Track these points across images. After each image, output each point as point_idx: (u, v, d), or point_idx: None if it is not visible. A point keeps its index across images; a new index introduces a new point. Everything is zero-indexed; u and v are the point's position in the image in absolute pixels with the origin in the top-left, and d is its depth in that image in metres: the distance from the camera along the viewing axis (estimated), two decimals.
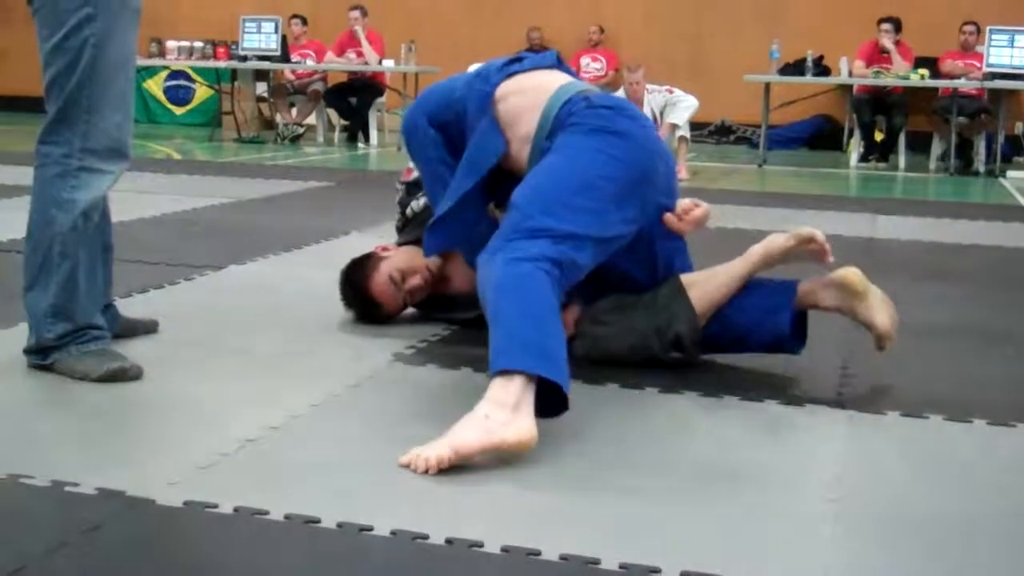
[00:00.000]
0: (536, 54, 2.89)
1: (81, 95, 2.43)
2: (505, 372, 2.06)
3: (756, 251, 2.69)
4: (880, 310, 2.62)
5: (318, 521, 1.76)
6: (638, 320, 2.65)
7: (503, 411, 2.01)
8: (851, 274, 2.64)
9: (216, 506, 1.80)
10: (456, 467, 1.98)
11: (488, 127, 2.58)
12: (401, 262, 2.95)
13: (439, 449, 1.97)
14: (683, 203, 2.63)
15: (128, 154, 2.55)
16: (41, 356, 2.50)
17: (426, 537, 1.71)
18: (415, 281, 2.94)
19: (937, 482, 2.05)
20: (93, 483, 1.87)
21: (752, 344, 2.70)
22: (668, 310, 2.62)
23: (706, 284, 2.66)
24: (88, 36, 2.42)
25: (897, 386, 2.66)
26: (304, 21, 10.44)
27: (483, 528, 1.74)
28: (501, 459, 2.03)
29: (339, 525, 1.75)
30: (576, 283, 2.40)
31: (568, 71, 2.83)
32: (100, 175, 2.48)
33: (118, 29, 2.46)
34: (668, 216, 2.61)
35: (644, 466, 2.07)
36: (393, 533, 1.72)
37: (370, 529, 1.74)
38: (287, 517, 1.77)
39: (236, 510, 1.79)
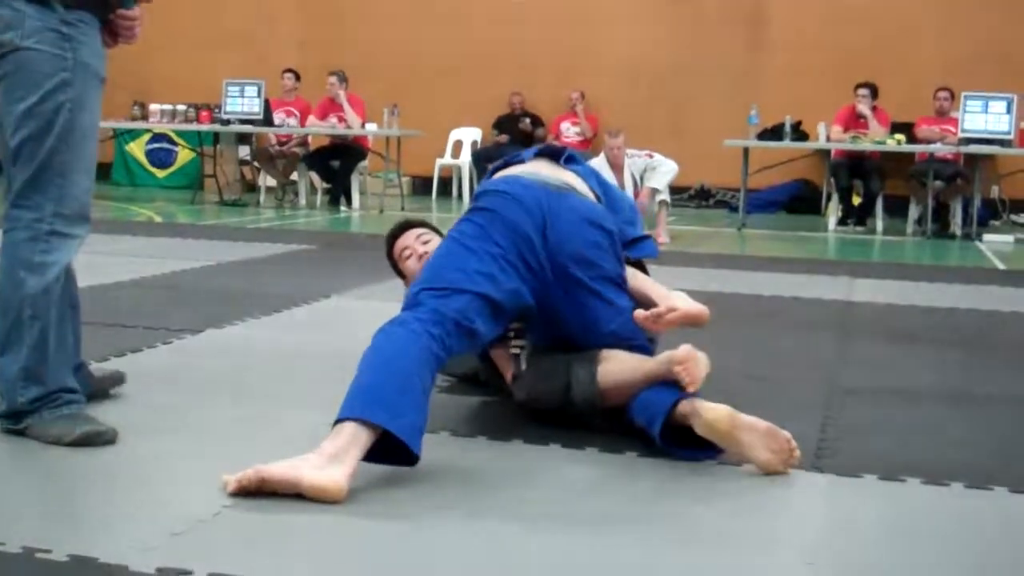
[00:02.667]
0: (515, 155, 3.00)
1: (54, 159, 2.44)
2: (338, 422, 2.21)
3: (662, 357, 2.61)
4: (757, 447, 2.39)
5: None
6: (554, 375, 2.68)
7: (321, 458, 2.16)
8: (718, 420, 2.39)
9: (191, 573, 1.78)
10: (428, 530, 1.96)
11: None
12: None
13: (247, 471, 2.13)
14: (659, 310, 2.58)
15: (90, 218, 2.57)
16: (13, 421, 2.48)
17: None
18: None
19: (915, 547, 2.05)
20: (65, 550, 1.85)
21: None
22: (572, 375, 2.65)
23: (620, 364, 2.64)
24: (64, 101, 2.43)
25: (875, 449, 2.66)
26: (297, 77, 10.50)
27: None
28: (475, 517, 2.02)
29: None
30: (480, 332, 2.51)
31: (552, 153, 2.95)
32: (69, 239, 2.48)
33: (90, 96, 2.49)
34: (637, 314, 2.59)
35: (623, 529, 2.07)
36: None
37: None
38: None
39: None
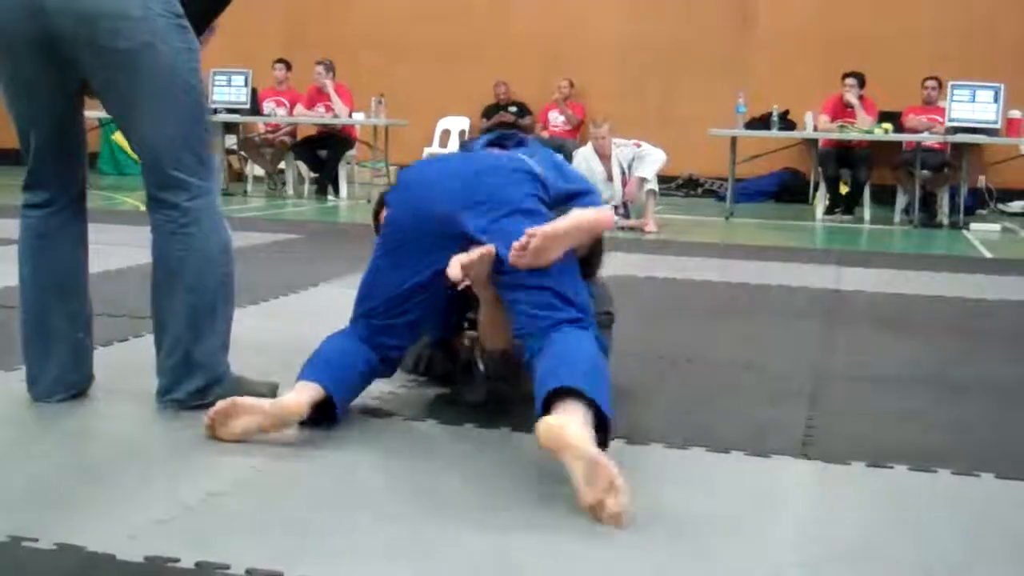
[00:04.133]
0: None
1: (208, 134, 2.64)
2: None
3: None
4: (578, 476, 2.07)
5: (281, 575, 1.74)
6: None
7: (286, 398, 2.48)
8: (539, 435, 2.14)
9: (178, 560, 1.78)
10: (414, 517, 1.97)
11: None
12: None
13: (217, 404, 2.43)
14: (516, 243, 2.43)
15: None
16: (203, 394, 2.61)
17: None
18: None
19: (901, 532, 2.05)
20: (52, 538, 1.84)
21: None
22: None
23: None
24: (199, 78, 2.59)
25: (862, 436, 2.67)
26: (288, 67, 10.45)
27: None
28: (462, 506, 2.02)
29: None
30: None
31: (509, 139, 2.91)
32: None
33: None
34: (510, 254, 2.44)
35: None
36: None
37: None
38: (248, 572, 1.75)
39: (198, 565, 1.77)
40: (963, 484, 2.34)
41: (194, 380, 2.62)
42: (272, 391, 2.71)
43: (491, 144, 2.91)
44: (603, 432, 2.22)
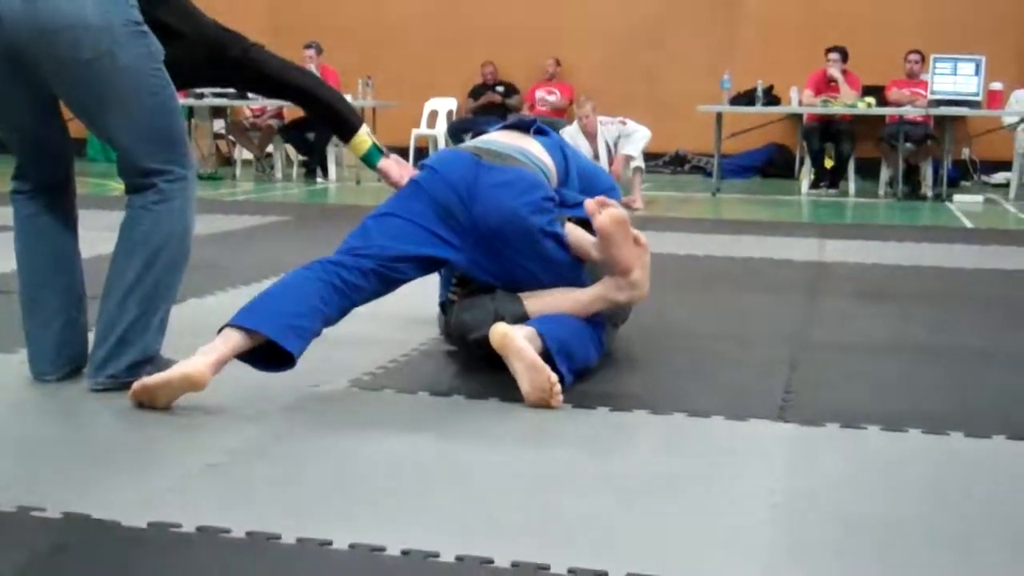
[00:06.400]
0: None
1: (180, 126, 2.69)
2: (220, 331, 2.55)
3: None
4: (521, 377, 2.60)
5: (279, 537, 1.82)
6: (480, 304, 2.90)
7: (191, 357, 2.48)
8: (491, 335, 2.66)
9: (180, 526, 1.86)
10: (403, 481, 2.06)
11: None
12: None
13: (130, 392, 2.50)
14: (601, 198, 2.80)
15: None
16: (136, 370, 2.63)
17: (383, 549, 1.78)
18: None
19: (873, 488, 2.15)
20: (59, 507, 1.93)
21: None
22: (497, 300, 2.87)
23: (545, 295, 2.86)
24: (164, 78, 2.63)
25: (837, 400, 2.76)
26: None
27: (436, 538, 1.82)
28: (451, 470, 2.11)
29: (299, 540, 1.81)
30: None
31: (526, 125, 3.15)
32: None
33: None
34: (588, 202, 2.77)
35: (592, 476, 2.16)
36: (352, 547, 1.79)
37: (329, 543, 1.80)
38: (249, 534, 1.83)
39: (199, 529, 1.85)
40: (932, 442, 2.44)
41: (127, 356, 2.63)
42: None
43: (506, 128, 3.13)
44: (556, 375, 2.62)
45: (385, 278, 2.79)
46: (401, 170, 3.03)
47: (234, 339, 2.53)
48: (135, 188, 2.68)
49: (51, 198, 2.76)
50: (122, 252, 2.67)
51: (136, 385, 2.49)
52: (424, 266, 2.86)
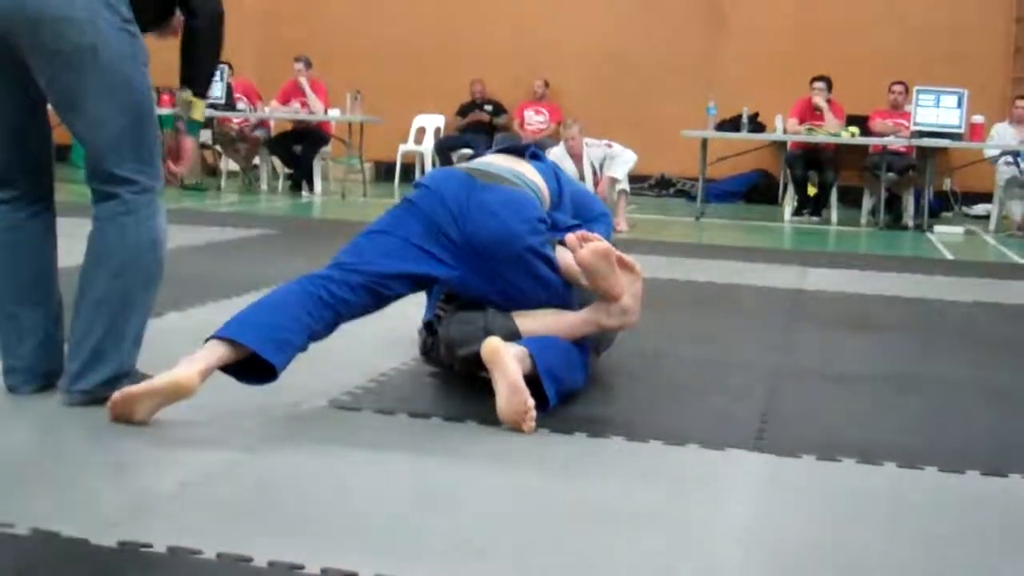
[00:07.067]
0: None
1: (153, 136, 2.66)
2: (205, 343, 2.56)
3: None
4: (500, 395, 2.60)
5: (250, 560, 1.81)
6: (471, 320, 2.88)
7: (175, 367, 2.48)
8: (486, 345, 2.66)
9: (151, 546, 1.85)
10: (377, 504, 2.05)
11: None
12: None
13: (111, 401, 2.46)
14: (582, 233, 2.81)
15: None
16: (112, 384, 2.59)
17: (355, 575, 1.78)
18: None
19: (845, 521, 2.15)
20: (28, 524, 1.91)
21: None
22: (488, 316, 2.86)
23: (537, 315, 2.87)
24: (147, 83, 2.63)
25: (813, 431, 2.77)
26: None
27: (407, 564, 1.81)
28: (424, 495, 2.11)
29: (270, 564, 1.80)
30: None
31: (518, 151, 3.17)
32: (161, 205, 2.72)
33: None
34: (569, 237, 2.79)
35: (562, 505, 2.16)
36: (323, 572, 1.78)
37: (301, 568, 1.79)
38: (219, 556, 1.82)
39: (170, 550, 1.84)
40: (906, 476, 2.45)
41: (103, 371, 2.61)
42: None
43: (502, 151, 3.16)
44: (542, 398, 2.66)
45: (375, 294, 2.79)
46: (183, 155, 2.88)
47: (219, 351, 2.54)
48: (101, 196, 2.64)
49: (33, 210, 2.74)
50: (90, 264, 2.65)
51: (116, 395, 2.47)
52: (415, 283, 2.87)
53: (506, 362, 2.61)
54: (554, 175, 3.13)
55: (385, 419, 2.72)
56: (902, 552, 2.01)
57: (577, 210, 3.18)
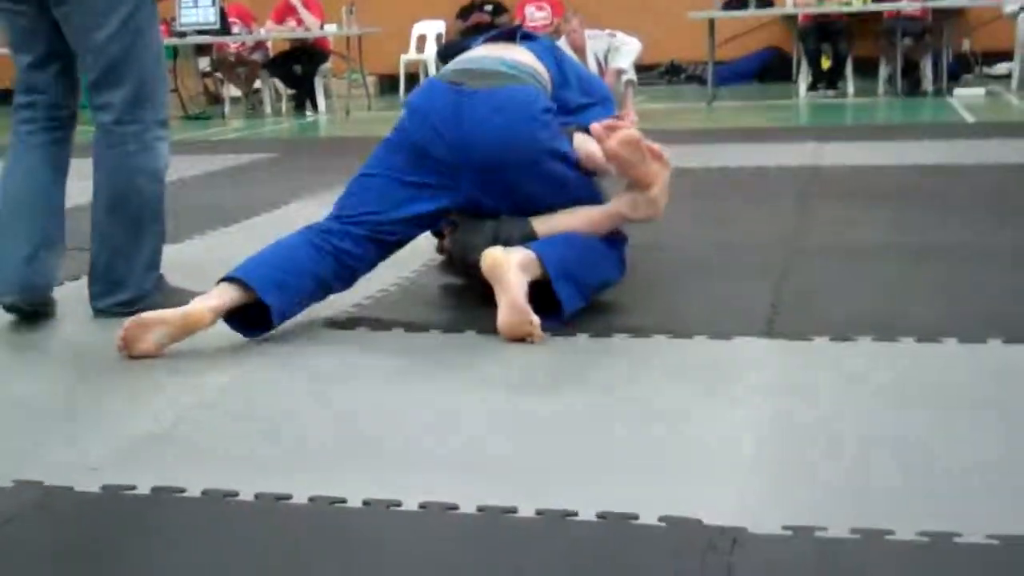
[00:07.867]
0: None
1: (158, 73, 2.77)
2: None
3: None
4: (501, 311, 2.48)
5: (236, 494, 1.74)
6: (483, 225, 2.73)
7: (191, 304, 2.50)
8: (486, 258, 2.52)
9: (134, 488, 1.79)
10: (381, 432, 1.97)
11: None
12: None
13: (125, 324, 2.45)
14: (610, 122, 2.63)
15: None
16: (129, 305, 2.73)
17: (344, 501, 1.71)
18: None
19: (861, 401, 2.06)
20: (10, 475, 1.85)
21: None
22: (501, 221, 2.71)
23: (554, 216, 2.70)
24: (147, 20, 2.71)
25: (827, 310, 2.66)
26: None
27: (394, 488, 1.73)
28: (417, 412, 2.03)
29: (256, 496, 1.73)
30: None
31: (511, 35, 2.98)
32: (166, 143, 2.79)
33: (155, 14, 2.76)
34: (595, 127, 2.61)
35: (573, 401, 2.08)
36: (311, 500, 1.71)
37: (288, 498, 1.72)
38: (204, 493, 1.76)
39: (154, 490, 1.78)
40: (926, 350, 2.34)
41: (119, 295, 2.77)
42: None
43: (492, 39, 2.95)
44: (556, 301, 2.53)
45: (380, 243, 2.69)
46: None
47: (228, 292, 2.52)
48: (102, 122, 2.73)
49: (55, 135, 2.82)
50: (97, 196, 2.77)
51: (128, 322, 2.46)
52: (420, 223, 2.75)
53: (507, 277, 2.47)
54: (551, 54, 2.92)
55: (380, 335, 2.64)
56: (922, 429, 1.91)
57: (582, 90, 2.98)
